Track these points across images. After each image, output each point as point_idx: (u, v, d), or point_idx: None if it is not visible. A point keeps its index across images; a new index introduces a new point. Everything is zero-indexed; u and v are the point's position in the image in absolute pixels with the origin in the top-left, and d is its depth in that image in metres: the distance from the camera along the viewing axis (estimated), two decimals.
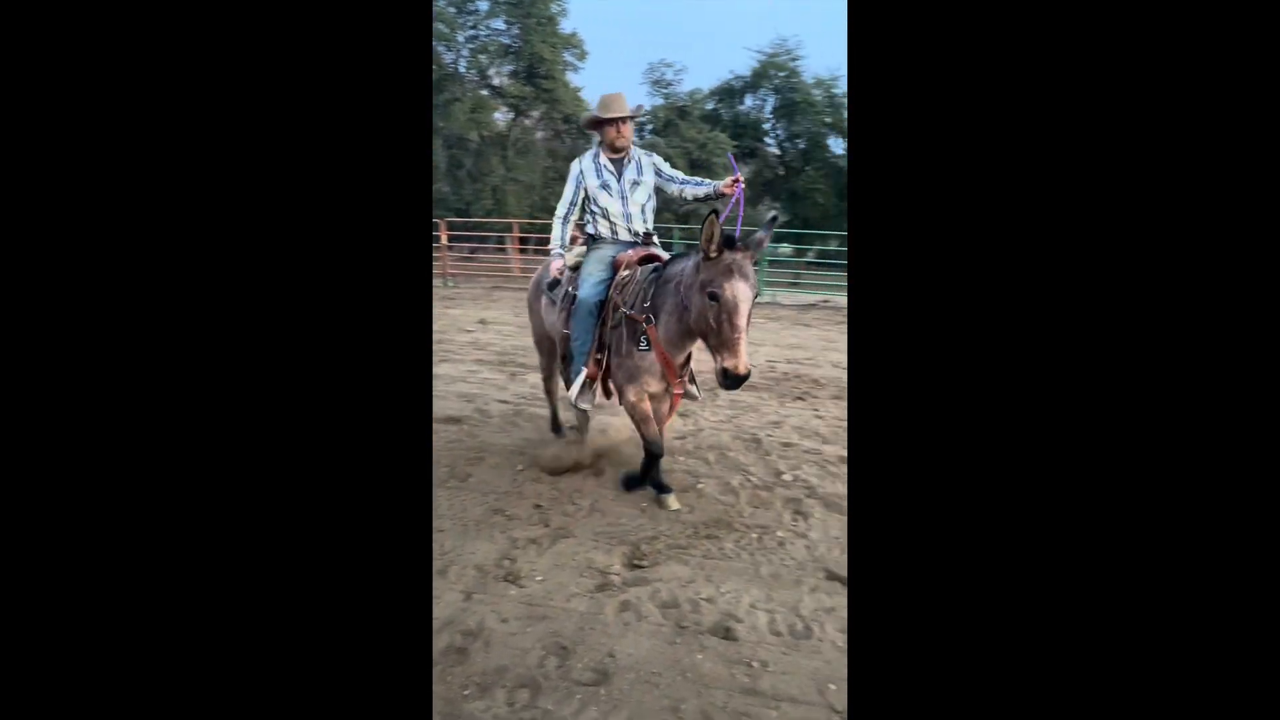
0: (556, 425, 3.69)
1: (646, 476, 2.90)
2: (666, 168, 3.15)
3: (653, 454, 2.85)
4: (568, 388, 3.17)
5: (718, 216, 2.32)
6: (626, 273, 2.93)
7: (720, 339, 2.31)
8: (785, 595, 2.22)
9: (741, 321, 2.29)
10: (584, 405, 3.03)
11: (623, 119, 3.01)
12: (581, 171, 3.10)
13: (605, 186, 3.06)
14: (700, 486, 2.85)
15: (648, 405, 2.85)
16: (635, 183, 3.08)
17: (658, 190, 3.18)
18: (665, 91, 17.74)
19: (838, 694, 1.73)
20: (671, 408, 2.90)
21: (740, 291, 2.30)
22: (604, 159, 3.08)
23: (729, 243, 2.36)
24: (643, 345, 2.72)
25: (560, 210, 3.13)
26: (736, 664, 1.85)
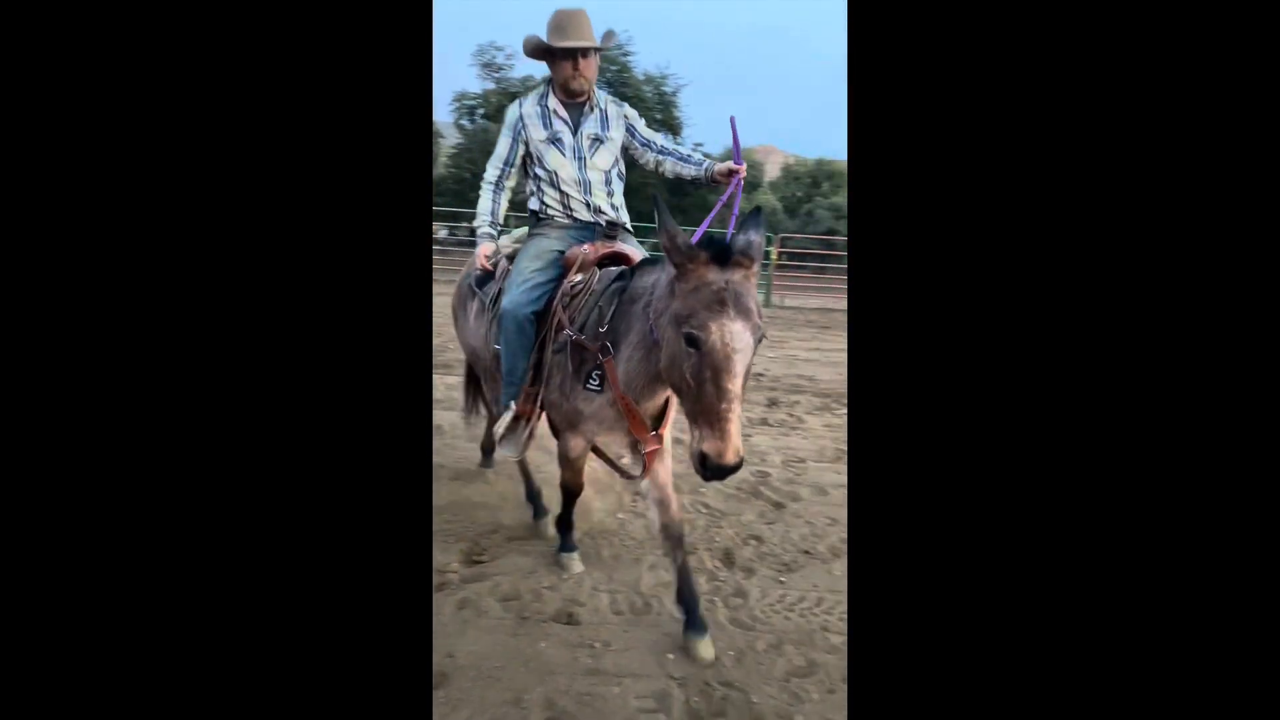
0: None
1: (566, 525, 2.29)
2: (642, 126, 2.25)
3: (566, 504, 2.23)
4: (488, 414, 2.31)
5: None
6: (579, 278, 2.04)
7: (700, 405, 1.43)
8: (626, 575, 2.28)
9: (735, 385, 1.41)
10: (507, 451, 2.16)
11: (583, 51, 2.06)
12: (522, 118, 2.17)
13: (555, 141, 2.15)
14: (542, 475, 2.82)
15: (583, 465, 2.11)
16: (597, 140, 2.17)
17: (628, 156, 2.28)
18: (496, 76, 17.29)
19: (676, 663, 1.81)
20: (645, 467, 1.94)
21: (734, 336, 1.41)
22: (554, 103, 2.16)
23: (720, 253, 1.48)
24: (592, 383, 1.86)
25: (490, 173, 2.20)
26: (579, 647, 1.87)
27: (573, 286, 2.03)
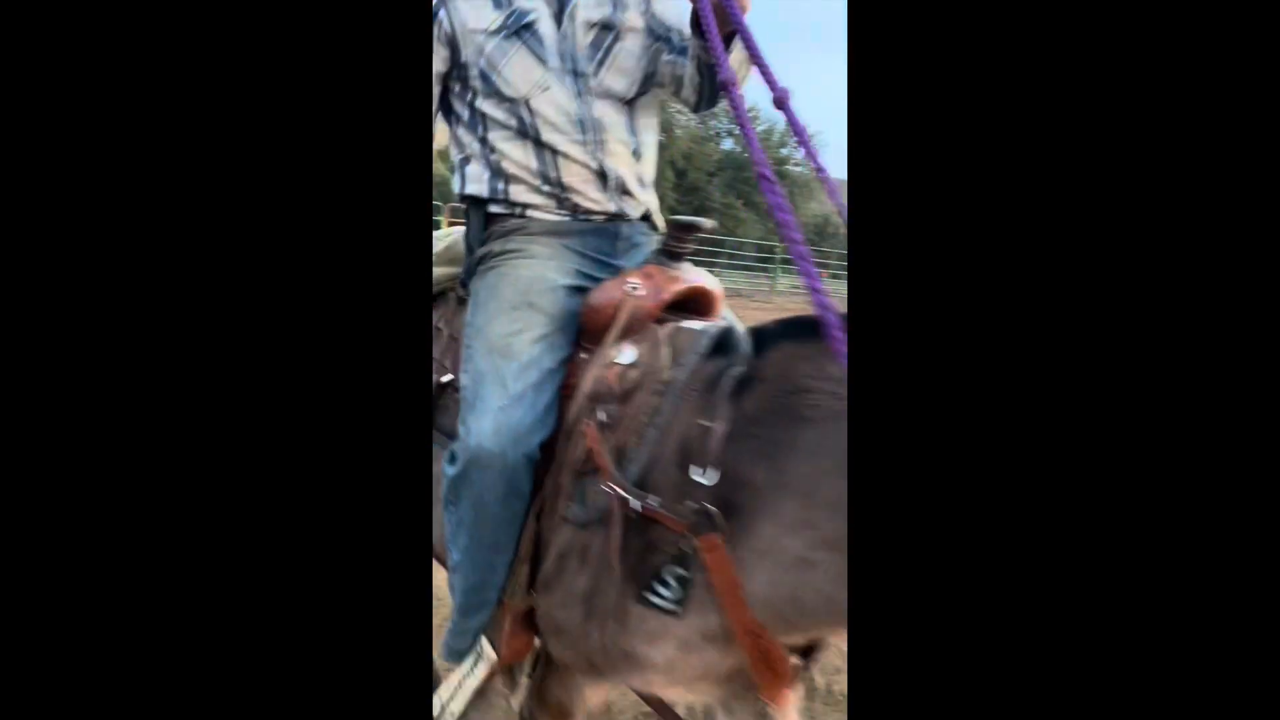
0: None
1: None
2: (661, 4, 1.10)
3: None
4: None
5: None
6: (629, 354, 0.92)
7: None
8: None
9: None
10: None
11: None
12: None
13: (523, 32, 1.02)
14: None
15: None
16: (606, 28, 1.05)
17: (649, 76, 1.10)
18: None
19: None
20: None
21: None
22: None
23: None
24: (665, 594, 0.80)
25: None
26: None
27: (619, 377, 0.91)
